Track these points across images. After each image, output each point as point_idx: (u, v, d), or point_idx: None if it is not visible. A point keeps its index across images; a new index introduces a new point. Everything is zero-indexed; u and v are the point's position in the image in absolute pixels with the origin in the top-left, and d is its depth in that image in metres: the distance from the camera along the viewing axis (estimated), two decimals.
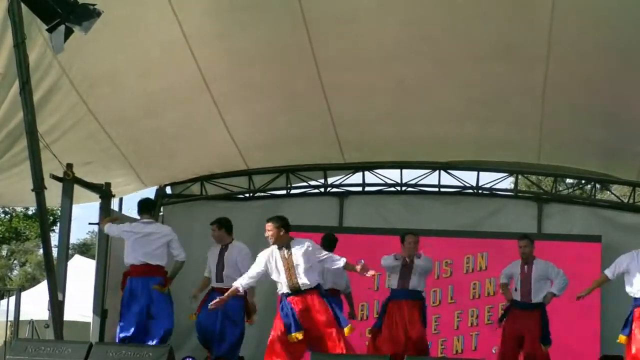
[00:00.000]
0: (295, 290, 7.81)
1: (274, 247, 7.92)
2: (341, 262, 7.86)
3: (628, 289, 8.50)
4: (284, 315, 7.86)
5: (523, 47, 8.66)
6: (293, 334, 7.76)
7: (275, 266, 7.87)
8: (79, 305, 13.84)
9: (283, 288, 7.88)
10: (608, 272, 8.64)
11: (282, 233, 7.87)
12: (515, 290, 9.51)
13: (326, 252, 8.03)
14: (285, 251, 7.85)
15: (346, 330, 7.78)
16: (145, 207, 9.60)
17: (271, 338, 7.91)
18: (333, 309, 7.87)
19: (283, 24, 8.42)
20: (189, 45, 8.52)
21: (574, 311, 10.13)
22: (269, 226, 7.91)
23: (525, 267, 9.47)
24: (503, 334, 9.59)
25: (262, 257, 8.01)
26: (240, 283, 8.05)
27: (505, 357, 9.53)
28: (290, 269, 7.80)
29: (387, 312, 9.44)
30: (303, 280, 7.79)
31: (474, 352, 11.28)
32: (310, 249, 7.85)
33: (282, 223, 7.92)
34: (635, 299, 8.43)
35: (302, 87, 9.65)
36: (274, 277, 7.94)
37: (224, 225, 9.82)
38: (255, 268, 8.04)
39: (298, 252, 7.81)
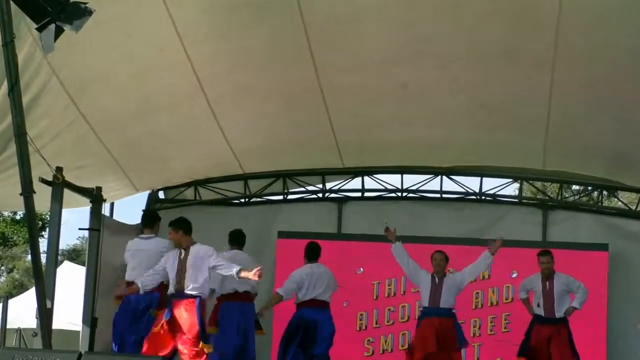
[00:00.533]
0: (180, 291, 8.08)
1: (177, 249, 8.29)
2: (234, 269, 8.05)
3: None
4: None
5: (528, 50, 8.52)
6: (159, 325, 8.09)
7: (172, 266, 8.21)
8: (68, 313, 13.73)
9: (171, 287, 8.22)
10: None
11: (180, 235, 8.22)
12: (538, 306, 9.46)
13: (223, 260, 8.21)
14: (183, 253, 8.19)
15: (207, 347, 8.01)
16: (147, 220, 9.69)
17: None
18: (201, 321, 8.05)
19: (281, 24, 8.30)
20: (183, 46, 8.40)
21: (579, 318, 9.89)
22: (169, 230, 8.33)
23: (547, 282, 9.44)
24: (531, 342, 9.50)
25: (167, 255, 8.42)
26: (142, 280, 8.37)
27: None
28: (181, 269, 8.11)
29: (421, 326, 9.29)
30: (189, 284, 8.07)
31: None
32: (203, 254, 8.11)
33: (180, 226, 8.27)
34: None
35: (300, 89, 9.51)
36: (170, 275, 8.25)
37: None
38: (161, 264, 8.40)
39: (192, 256, 8.12)
